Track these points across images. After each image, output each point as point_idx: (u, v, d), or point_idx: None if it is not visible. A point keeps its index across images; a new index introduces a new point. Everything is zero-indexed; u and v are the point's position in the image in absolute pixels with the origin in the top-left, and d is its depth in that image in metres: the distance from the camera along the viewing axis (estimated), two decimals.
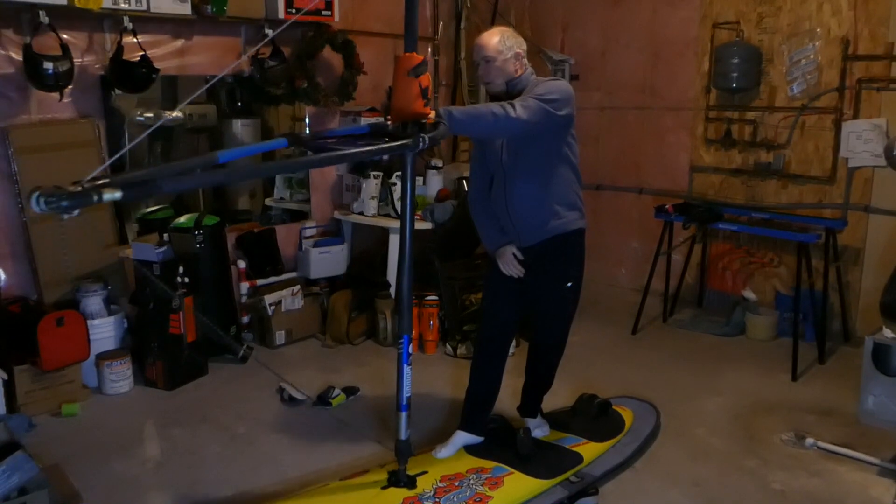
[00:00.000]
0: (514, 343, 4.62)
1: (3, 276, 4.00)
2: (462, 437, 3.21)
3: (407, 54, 2.59)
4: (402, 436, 2.89)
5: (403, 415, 2.88)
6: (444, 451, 3.16)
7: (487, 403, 3.28)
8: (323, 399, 3.95)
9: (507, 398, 3.68)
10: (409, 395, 2.88)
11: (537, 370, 3.38)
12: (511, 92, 2.99)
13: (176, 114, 5.35)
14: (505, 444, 3.19)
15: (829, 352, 4.59)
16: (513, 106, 2.73)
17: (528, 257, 3.10)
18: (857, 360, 3.85)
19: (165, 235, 4.31)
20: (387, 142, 2.55)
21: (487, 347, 3.27)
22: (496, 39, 2.98)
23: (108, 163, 2.58)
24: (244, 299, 4.87)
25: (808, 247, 4.48)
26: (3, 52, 3.89)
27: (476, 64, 3.08)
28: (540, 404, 3.43)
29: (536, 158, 3.00)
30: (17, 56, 3.86)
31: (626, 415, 3.61)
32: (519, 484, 2.97)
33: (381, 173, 5.01)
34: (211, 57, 4.69)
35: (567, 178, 3.08)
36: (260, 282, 4.92)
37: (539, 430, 3.37)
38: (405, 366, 2.86)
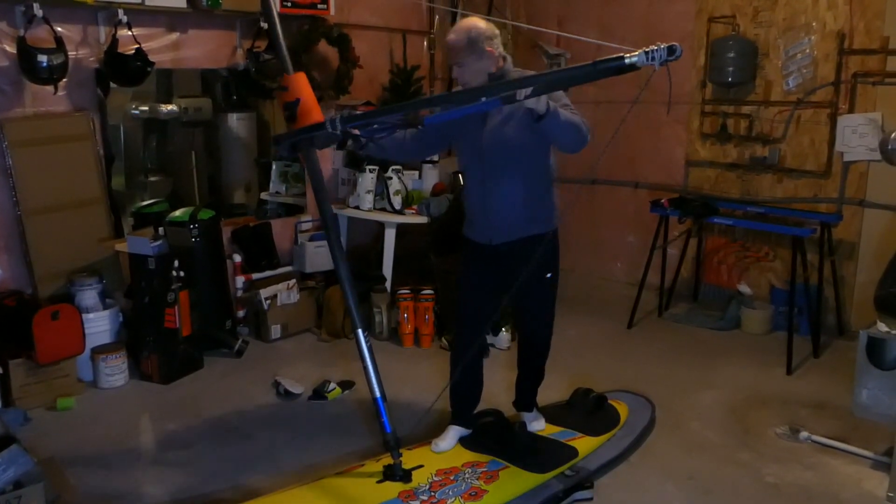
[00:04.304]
0: (508, 337, 4.63)
1: None
2: (456, 431, 3.23)
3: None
4: (387, 429, 2.90)
5: (381, 408, 2.89)
6: (443, 445, 3.16)
7: (473, 397, 3.29)
8: (318, 393, 3.96)
9: (503, 392, 3.69)
10: (381, 387, 2.90)
11: (531, 363, 3.38)
12: None
13: (171, 107, 5.35)
14: (501, 439, 3.19)
15: (824, 346, 4.60)
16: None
17: (502, 254, 3.03)
18: (852, 353, 3.85)
19: (161, 229, 4.30)
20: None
21: (463, 341, 3.22)
22: (464, 39, 2.80)
23: None
24: (239, 293, 4.86)
25: (804, 241, 4.50)
26: None
27: (450, 67, 2.91)
28: (535, 398, 3.43)
29: (524, 156, 2.91)
30: (11, 49, 3.85)
31: (622, 409, 3.62)
32: (514, 478, 2.98)
33: (376, 167, 5.01)
34: (206, 50, 4.68)
35: (548, 177, 3.05)
36: (255, 276, 4.91)
37: (535, 423, 3.37)
38: (368, 359, 2.87)
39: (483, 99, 2.46)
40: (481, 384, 3.31)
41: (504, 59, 2.91)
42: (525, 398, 3.41)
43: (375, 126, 2.76)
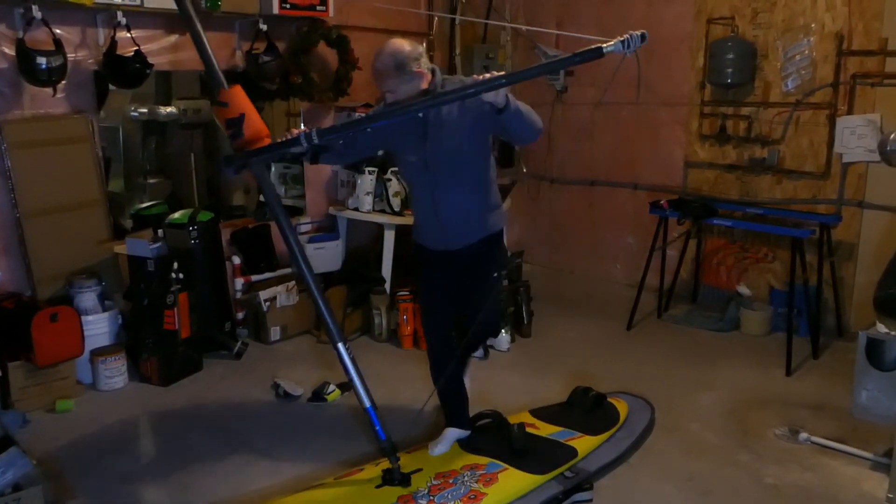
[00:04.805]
0: (508, 339, 4.63)
1: None
2: (453, 433, 3.24)
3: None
4: (382, 436, 2.90)
5: (373, 417, 2.90)
6: (440, 448, 3.17)
7: (460, 396, 3.31)
8: (318, 395, 3.96)
9: (503, 392, 3.69)
10: (370, 397, 2.91)
11: (473, 342, 3.37)
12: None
13: (170, 109, 5.35)
14: (499, 440, 3.19)
15: (823, 347, 4.61)
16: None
17: (457, 259, 3.09)
18: (851, 354, 3.86)
19: (160, 231, 4.30)
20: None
21: (436, 346, 3.27)
22: (391, 65, 2.79)
23: None
24: (239, 295, 4.86)
25: (803, 242, 4.50)
26: None
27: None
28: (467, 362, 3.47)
29: (470, 163, 2.96)
30: (10, 51, 3.84)
31: (621, 406, 3.61)
32: (513, 480, 2.97)
33: (375, 169, 5.01)
34: None
35: (491, 179, 3.09)
36: (254, 278, 4.91)
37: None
38: (352, 371, 2.88)
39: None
40: (464, 383, 3.34)
41: (433, 72, 2.91)
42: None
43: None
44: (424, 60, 2.86)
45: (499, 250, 3.18)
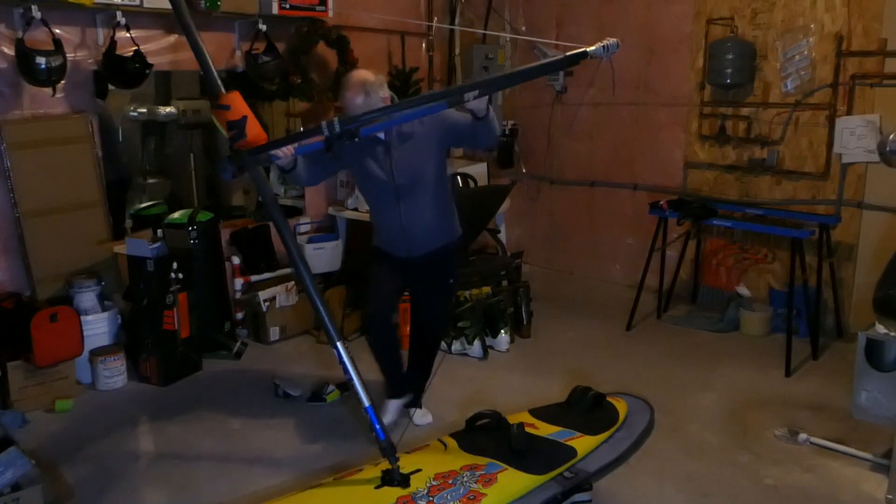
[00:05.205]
0: (507, 339, 4.63)
1: None
2: (395, 404, 3.53)
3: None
4: (381, 436, 2.90)
5: (373, 417, 2.91)
6: (388, 418, 3.43)
7: (399, 367, 3.59)
8: (317, 395, 3.95)
9: (502, 392, 3.69)
10: (369, 396, 2.92)
11: (423, 359, 3.60)
12: (388, 130, 3.16)
13: (169, 109, 5.36)
14: (499, 440, 3.19)
15: (823, 347, 4.61)
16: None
17: (416, 266, 3.35)
18: (851, 355, 3.86)
19: (159, 231, 4.30)
20: None
21: (378, 325, 3.44)
22: (361, 94, 3.11)
23: None
24: (238, 295, 4.86)
25: (802, 243, 4.50)
26: None
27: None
28: (423, 394, 3.65)
29: (432, 176, 3.24)
30: (10, 51, 3.84)
31: (620, 406, 3.60)
32: (513, 480, 2.96)
33: None
34: None
35: (449, 190, 3.39)
36: (254, 278, 4.91)
37: (423, 418, 3.62)
38: (351, 371, 2.90)
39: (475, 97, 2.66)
40: (401, 356, 3.61)
41: (393, 99, 3.23)
42: (415, 392, 3.64)
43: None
44: (386, 88, 3.21)
45: (456, 258, 3.52)
